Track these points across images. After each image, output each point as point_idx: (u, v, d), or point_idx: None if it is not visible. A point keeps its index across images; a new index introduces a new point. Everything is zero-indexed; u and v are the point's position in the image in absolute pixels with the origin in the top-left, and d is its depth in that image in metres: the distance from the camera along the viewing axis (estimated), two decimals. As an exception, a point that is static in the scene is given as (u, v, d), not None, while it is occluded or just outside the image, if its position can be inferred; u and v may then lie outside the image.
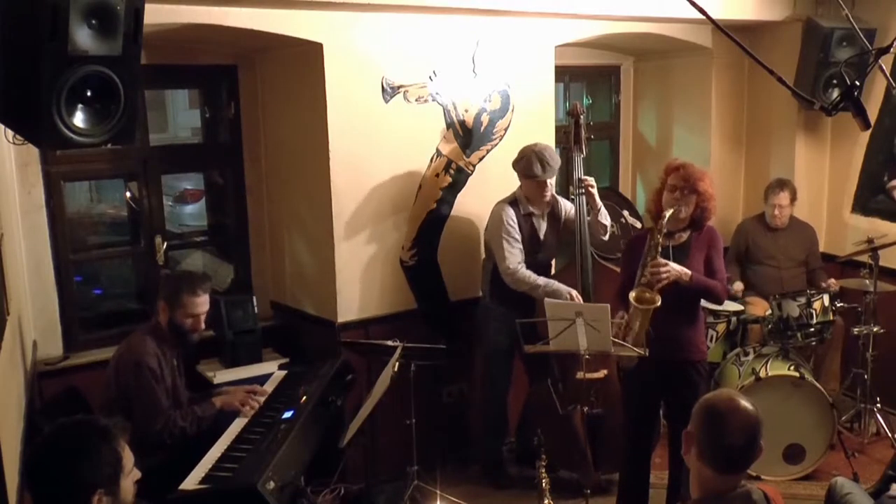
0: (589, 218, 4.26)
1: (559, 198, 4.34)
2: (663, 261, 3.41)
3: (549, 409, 4.12)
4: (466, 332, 4.49)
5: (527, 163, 4.08)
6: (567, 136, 4.37)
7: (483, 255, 4.39)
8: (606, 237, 4.39)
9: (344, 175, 4.10)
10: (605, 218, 4.30)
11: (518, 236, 4.13)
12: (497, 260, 4.15)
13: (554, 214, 4.32)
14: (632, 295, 3.39)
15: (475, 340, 4.43)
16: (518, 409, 4.54)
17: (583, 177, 4.23)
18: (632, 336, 3.42)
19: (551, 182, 4.17)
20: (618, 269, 4.42)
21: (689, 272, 3.47)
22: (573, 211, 4.31)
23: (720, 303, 3.76)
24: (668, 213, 3.42)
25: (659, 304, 3.36)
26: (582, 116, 4.36)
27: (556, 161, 4.13)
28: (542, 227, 4.28)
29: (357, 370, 3.96)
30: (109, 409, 3.36)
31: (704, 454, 2.02)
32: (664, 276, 3.39)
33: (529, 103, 4.55)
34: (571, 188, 4.28)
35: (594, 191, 4.24)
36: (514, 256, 4.09)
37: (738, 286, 5.13)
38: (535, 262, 4.21)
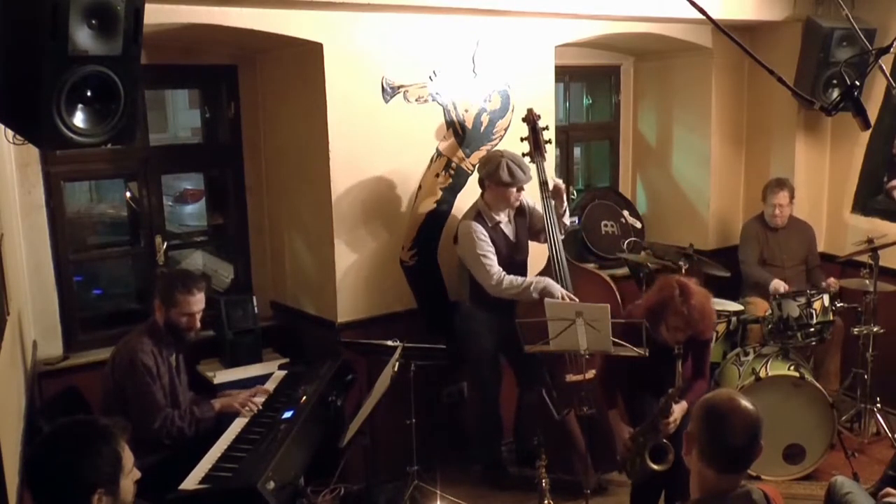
0: (559, 219, 4.22)
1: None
2: (673, 417, 3.35)
3: (545, 416, 4.11)
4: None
5: (506, 170, 4.01)
6: (527, 143, 4.27)
7: (458, 263, 4.34)
8: (562, 236, 4.32)
9: (344, 175, 4.10)
10: (567, 219, 4.30)
11: (492, 249, 4.09)
12: (478, 277, 4.11)
13: (520, 212, 4.31)
14: (648, 458, 3.34)
15: (461, 344, 4.41)
16: (513, 409, 4.53)
17: (553, 179, 4.20)
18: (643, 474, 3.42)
19: (522, 189, 4.14)
20: (596, 271, 4.44)
21: (685, 406, 3.42)
22: (535, 205, 4.30)
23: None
24: (680, 380, 3.32)
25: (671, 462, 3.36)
26: (538, 121, 4.29)
27: (528, 166, 4.10)
28: (512, 230, 4.26)
29: (357, 370, 3.96)
30: (107, 407, 3.37)
31: (705, 454, 2.02)
32: (674, 428, 3.38)
33: (529, 103, 4.54)
34: (541, 192, 4.21)
35: (563, 192, 4.21)
36: (493, 269, 4.06)
37: (778, 284, 4.94)
38: (513, 264, 4.19)
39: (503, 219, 4.22)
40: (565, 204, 4.28)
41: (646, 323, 3.37)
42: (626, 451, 3.49)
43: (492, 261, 4.07)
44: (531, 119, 4.29)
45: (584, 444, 4.03)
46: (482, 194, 4.20)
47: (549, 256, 4.23)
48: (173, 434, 3.34)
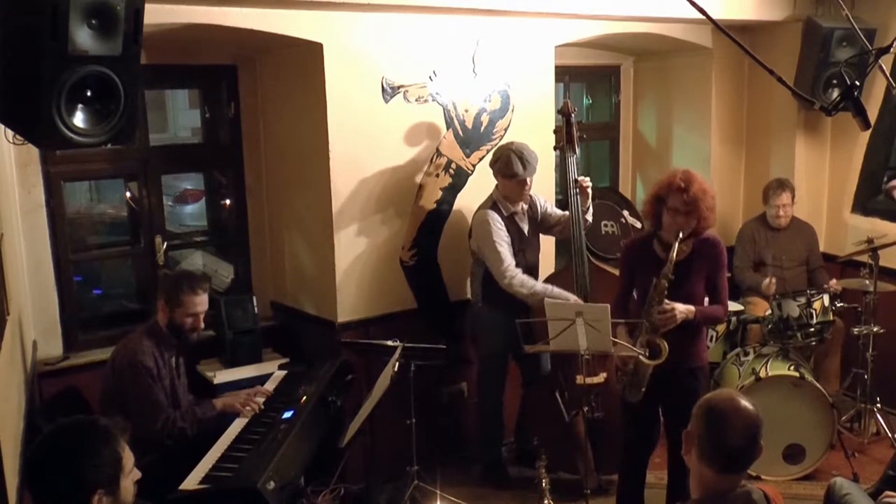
0: (583, 215, 4.23)
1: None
2: (670, 305, 3.34)
3: (550, 415, 4.11)
4: (466, 332, 4.49)
5: (506, 162, 4.04)
6: (559, 135, 4.29)
7: (471, 261, 4.34)
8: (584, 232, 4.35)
9: (344, 175, 4.10)
10: (589, 215, 4.32)
11: (508, 239, 4.10)
12: (491, 266, 4.09)
13: (531, 209, 4.31)
14: (641, 347, 3.34)
15: (471, 344, 4.41)
16: (516, 409, 4.53)
17: (578, 177, 4.21)
18: (636, 380, 3.41)
19: (530, 180, 4.14)
20: (615, 272, 4.43)
21: (693, 309, 3.42)
22: (547, 204, 4.31)
23: (721, 323, 3.67)
24: (674, 254, 3.31)
25: (665, 357, 3.33)
26: (573, 115, 4.29)
27: (535, 158, 4.10)
28: (525, 225, 4.27)
29: (357, 370, 3.96)
30: (106, 407, 3.37)
31: (705, 454, 2.02)
32: (671, 321, 3.36)
33: (529, 103, 4.55)
34: (569, 189, 4.23)
35: (589, 190, 4.22)
36: (508, 259, 4.05)
37: (770, 282, 4.99)
38: (525, 262, 4.18)
39: (518, 210, 4.21)
40: (589, 201, 4.29)
41: (646, 323, 3.37)
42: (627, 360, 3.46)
43: (507, 251, 4.06)
44: (566, 112, 4.27)
45: (587, 445, 4.02)
46: (497, 185, 4.20)
47: (571, 256, 4.21)
48: (175, 435, 3.34)
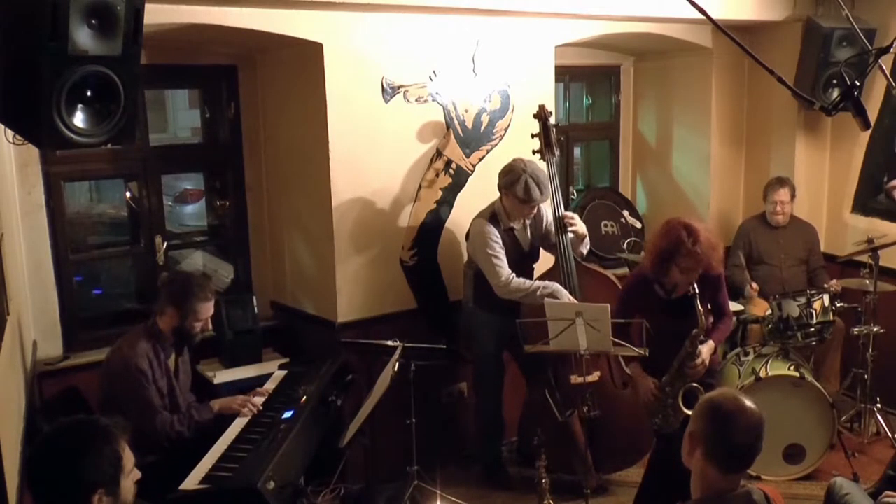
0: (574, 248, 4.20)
1: None
2: (700, 359, 3.42)
3: (548, 417, 4.11)
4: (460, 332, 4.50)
5: (523, 187, 3.92)
6: (538, 139, 4.24)
7: (465, 262, 4.34)
8: (581, 259, 4.31)
9: (344, 175, 4.10)
10: (584, 247, 4.24)
11: (503, 251, 4.05)
12: (487, 276, 4.06)
13: (535, 222, 4.24)
14: (682, 404, 3.39)
15: (465, 345, 4.41)
16: (517, 409, 4.53)
17: (563, 213, 4.14)
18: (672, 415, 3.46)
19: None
20: (603, 272, 4.42)
21: (713, 345, 3.50)
22: (550, 214, 4.22)
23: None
24: (703, 318, 3.33)
25: None
26: (550, 118, 4.26)
27: (548, 182, 4.03)
28: (526, 239, 4.23)
29: (357, 370, 3.96)
30: (105, 410, 3.36)
31: (711, 454, 2.02)
32: (703, 369, 3.44)
33: (529, 103, 4.55)
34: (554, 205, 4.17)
35: (577, 228, 4.15)
36: (503, 270, 4.02)
37: (755, 286, 5.08)
38: (520, 270, 4.14)
39: (517, 226, 4.17)
40: (584, 231, 4.20)
41: (646, 323, 3.38)
42: (655, 400, 3.52)
43: (502, 262, 4.04)
44: (542, 115, 4.24)
45: (585, 445, 4.02)
46: (500, 197, 4.13)
47: (556, 256, 4.21)
48: (172, 437, 3.34)
